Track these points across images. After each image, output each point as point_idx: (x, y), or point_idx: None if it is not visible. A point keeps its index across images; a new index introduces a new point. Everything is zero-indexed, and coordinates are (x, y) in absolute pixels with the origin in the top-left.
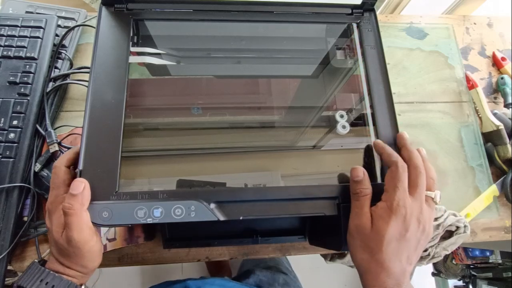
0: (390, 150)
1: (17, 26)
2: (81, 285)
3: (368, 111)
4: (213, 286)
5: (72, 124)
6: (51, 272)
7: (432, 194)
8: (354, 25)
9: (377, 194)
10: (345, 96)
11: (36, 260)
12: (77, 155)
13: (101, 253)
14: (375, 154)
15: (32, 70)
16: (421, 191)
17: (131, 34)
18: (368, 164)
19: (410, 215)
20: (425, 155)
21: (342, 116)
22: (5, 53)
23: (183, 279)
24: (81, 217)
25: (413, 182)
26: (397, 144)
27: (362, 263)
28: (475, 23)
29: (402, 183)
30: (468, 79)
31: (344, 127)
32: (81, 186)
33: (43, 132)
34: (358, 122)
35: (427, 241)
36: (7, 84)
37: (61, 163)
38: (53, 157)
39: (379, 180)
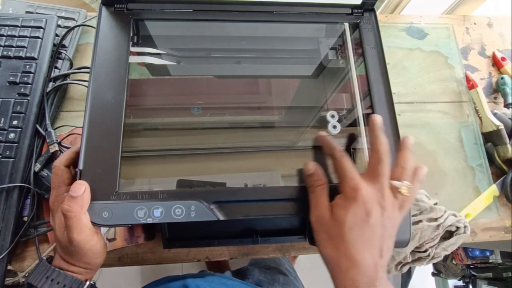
0: (328, 141)
1: (17, 26)
2: (86, 280)
3: (360, 111)
4: (212, 284)
5: (72, 124)
6: (56, 269)
7: (397, 183)
8: (347, 25)
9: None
10: (338, 96)
11: (44, 258)
12: (76, 154)
13: (104, 250)
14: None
15: (32, 70)
16: (380, 177)
17: (131, 34)
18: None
19: (370, 199)
20: (408, 143)
21: (333, 116)
22: (5, 53)
23: (182, 275)
24: (80, 219)
25: (372, 168)
26: (368, 127)
27: (330, 258)
28: (475, 23)
29: (346, 168)
30: (468, 79)
31: (334, 127)
32: (82, 188)
33: (43, 132)
34: (355, 122)
35: (394, 230)
36: (7, 84)
37: (60, 163)
38: (53, 157)
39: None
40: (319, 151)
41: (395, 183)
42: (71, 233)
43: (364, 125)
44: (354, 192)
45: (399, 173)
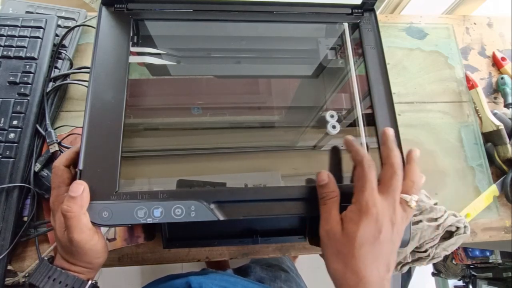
0: (357, 147)
1: (17, 26)
2: (88, 280)
3: (359, 111)
4: (215, 281)
5: (72, 124)
6: (58, 268)
7: (407, 197)
8: (346, 25)
9: (347, 196)
10: (337, 96)
11: (45, 258)
12: (76, 154)
13: (105, 249)
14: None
15: (32, 70)
16: (394, 191)
17: (131, 34)
18: (336, 165)
19: (382, 216)
20: (415, 156)
21: (332, 116)
22: (5, 53)
23: (185, 273)
24: (80, 220)
25: (386, 181)
26: (380, 140)
27: (337, 274)
28: (475, 23)
29: (370, 182)
30: (468, 79)
31: (334, 127)
32: (80, 188)
33: (43, 132)
34: (354, 122)
35: (398, 245)
36: (7, 84)
37: (60, 163)
38: (53, 157)
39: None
40: (336, 154)
41: (405, 196)
42: (71, 233)
43: (364, 125)
44: (368, 208)
45: (409, 186)
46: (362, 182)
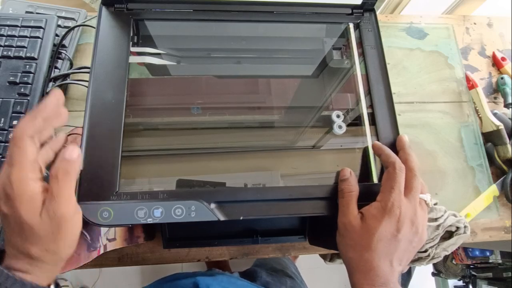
0: (388, 151)
1: (17, 26)
2: (48, 285)
3: (365, 111)
4: (222, 283)
5: (72, 124)
6: (11, 274)
7: (424, 196)
8: (352, 25)
9: (373, 194)
10: (343, 96)
11: None
12: (44, 121)
13: (77, 238)
14: (371, 155)
15: (32, 70)
16: (415, 193)
17: (131, 34)
18: (364, 165)
19: (404, 216)
20: (406, 142)
21: (338, 116)
22: (5, 53)
23: (191, 272)
24: (72, 186)
25: (408, 184)
26: (396, 146)
27: (352, 262)
28: (475, 23)
29: (399, 184)
30: (468, 79)
31: (340, 127)
32: (77, 151)
33: None
34: (358, 122)
35: (421, 243)
36: (7, 84)
37: (23, 132)
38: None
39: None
40: (363, 158)
41: (423, 196)
42: (58, 203)
43: (369, 125)
44: (393, 208)
45: (421, 186)
46: (391, 184)
